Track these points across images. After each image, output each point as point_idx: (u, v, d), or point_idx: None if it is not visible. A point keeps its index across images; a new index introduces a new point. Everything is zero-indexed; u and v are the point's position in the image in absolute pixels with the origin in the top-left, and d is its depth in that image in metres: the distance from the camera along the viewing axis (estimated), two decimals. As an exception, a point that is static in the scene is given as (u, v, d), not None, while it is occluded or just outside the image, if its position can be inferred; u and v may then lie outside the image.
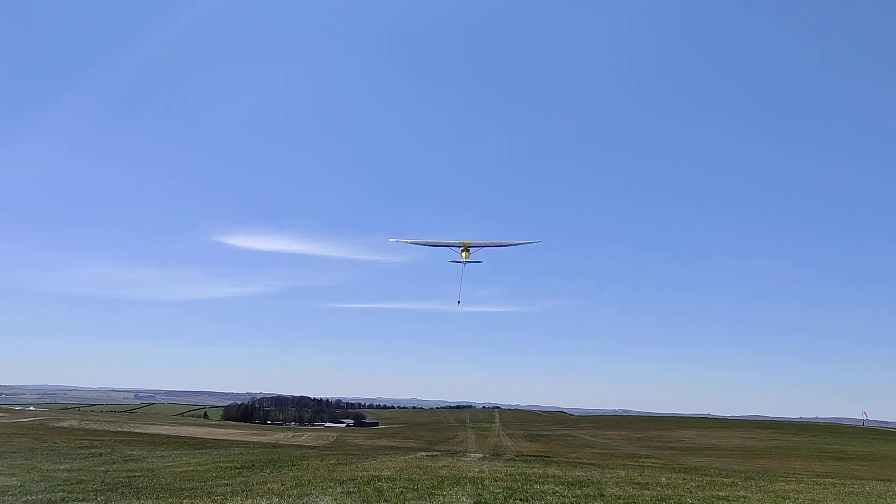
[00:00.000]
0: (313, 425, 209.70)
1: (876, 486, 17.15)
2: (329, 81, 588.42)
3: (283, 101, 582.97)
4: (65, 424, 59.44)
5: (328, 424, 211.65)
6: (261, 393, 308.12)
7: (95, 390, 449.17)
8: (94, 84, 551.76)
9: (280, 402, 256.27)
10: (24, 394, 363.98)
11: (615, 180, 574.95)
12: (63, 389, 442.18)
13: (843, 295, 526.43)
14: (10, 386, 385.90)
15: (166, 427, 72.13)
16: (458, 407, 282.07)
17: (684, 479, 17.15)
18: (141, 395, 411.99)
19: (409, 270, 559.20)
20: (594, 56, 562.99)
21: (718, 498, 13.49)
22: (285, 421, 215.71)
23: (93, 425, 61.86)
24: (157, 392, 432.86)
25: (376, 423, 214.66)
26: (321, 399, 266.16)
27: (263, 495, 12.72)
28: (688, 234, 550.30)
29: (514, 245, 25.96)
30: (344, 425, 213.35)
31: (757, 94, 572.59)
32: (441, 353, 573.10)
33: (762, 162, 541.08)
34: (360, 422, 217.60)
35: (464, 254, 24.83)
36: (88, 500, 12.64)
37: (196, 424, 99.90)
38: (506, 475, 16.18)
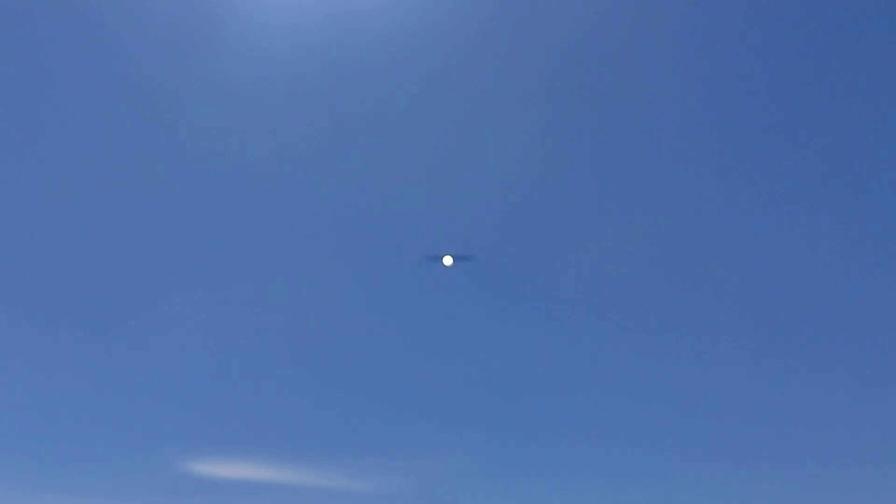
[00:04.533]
0: None
1: None
2: (304, 295, 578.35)
3: (253, 316, 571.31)
4: None
5: None
6: None
7: None
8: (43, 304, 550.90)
9: None
10: None
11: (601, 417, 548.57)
12: None
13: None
14: None
15: None
16: None
17: None
18: None
19: (397, 499, 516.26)
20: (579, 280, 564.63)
21: None
22: None
23: None
24: None
25: None
26: None
27: None
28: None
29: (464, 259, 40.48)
30: None
31: (762, 320, 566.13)
32: None
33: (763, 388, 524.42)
34: None
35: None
36: None
37: None
38: None
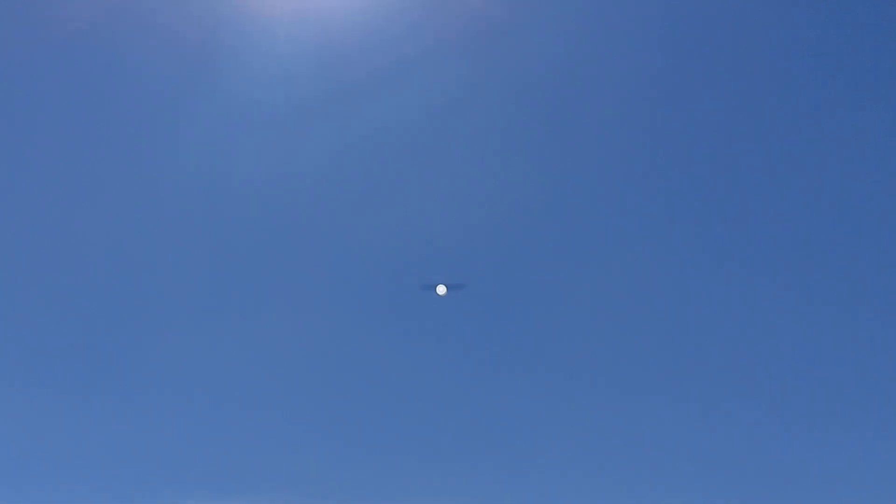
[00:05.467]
0: None
1: None
2: (296, 332, 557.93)
3: (243, 355, 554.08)
4: None
5: None
6: None
7: None
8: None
9: None
10: None
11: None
12: None
13: None
14: None
15: None
16: None
17: None
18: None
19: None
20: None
21: None
22: None
23: None
24: None
25: None
26: None
27: None
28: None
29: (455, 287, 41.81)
30: None
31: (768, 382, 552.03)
32: None
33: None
34: None
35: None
36: None
37: None
38: None
